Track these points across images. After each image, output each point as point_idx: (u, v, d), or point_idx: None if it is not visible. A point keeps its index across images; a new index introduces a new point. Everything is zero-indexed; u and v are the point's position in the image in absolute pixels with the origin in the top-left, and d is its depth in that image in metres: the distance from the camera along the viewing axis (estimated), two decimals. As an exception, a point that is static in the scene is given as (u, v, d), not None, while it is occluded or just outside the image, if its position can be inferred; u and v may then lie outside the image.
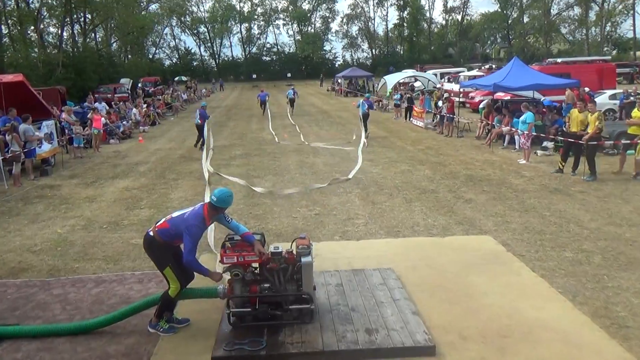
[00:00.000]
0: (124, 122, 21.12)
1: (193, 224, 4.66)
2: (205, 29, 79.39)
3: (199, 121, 16.50)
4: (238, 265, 4.87)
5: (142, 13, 60.42)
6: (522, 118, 13.46)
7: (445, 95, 19.98)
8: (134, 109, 23.62)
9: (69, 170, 13.77)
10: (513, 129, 14.47)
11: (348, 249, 6.99)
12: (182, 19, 77.43)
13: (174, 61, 79.77)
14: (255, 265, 5.01)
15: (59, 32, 42.14)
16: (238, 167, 13.20)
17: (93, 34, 50.85)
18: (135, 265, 6.77)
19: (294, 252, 4.97)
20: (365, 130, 16.79)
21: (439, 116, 18.93)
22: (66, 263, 6.96)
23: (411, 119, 22.00)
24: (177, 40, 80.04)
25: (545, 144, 13.99)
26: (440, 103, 19.40)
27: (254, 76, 69.66)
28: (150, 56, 73.47)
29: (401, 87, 31.31)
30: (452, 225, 7.97)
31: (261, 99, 28.24)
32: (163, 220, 4.89)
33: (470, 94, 24.84)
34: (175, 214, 4.88)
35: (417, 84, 33.34)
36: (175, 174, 12.76)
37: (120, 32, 51.74)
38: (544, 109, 15.87)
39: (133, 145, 18.27)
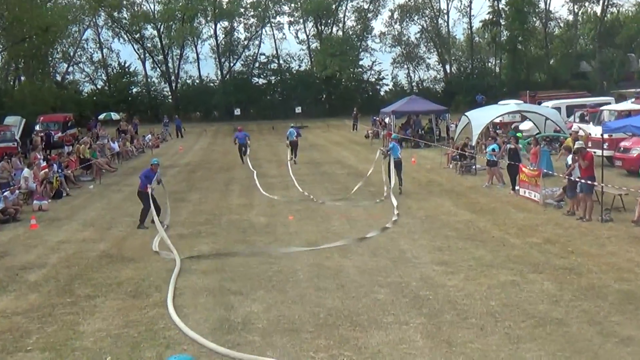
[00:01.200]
0: (6, 194, 21.50)
1: None
2: (155, 32, 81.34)
3: (141, 188, 17.29)
4: None
5: (48, 5, 62.79)
6: None
7: (578, 144, 19.97)
8: (26, 169, 24.13)
9: None
10: None
11: None
12: (116, 14, 79.82)
13: (99, 86, 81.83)
14: None
15: None
16: (204, 275, 13.21)
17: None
18: None
19: None
20: (399, 183, 21.92)
21: (567, 182, 18.88)
22: None
23: (517, 187, 21.99)
24: (105, 50, 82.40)
25: None
26: (569, 160, 19.40)
27: (237, 111, 69.52)
28: (59, 78, 75.95)
29: (498, 131, 31.56)
30: (598, 389, 7.75)
31: (239, 141, 34.41)
32: None
33: (623, 144, 24.85)
34: None
35: (525, 126, 33.60)
36: (92, 286, 12.80)
37: (10, 38, 53.78)
38: None
39: (20, 233, 18.50)
